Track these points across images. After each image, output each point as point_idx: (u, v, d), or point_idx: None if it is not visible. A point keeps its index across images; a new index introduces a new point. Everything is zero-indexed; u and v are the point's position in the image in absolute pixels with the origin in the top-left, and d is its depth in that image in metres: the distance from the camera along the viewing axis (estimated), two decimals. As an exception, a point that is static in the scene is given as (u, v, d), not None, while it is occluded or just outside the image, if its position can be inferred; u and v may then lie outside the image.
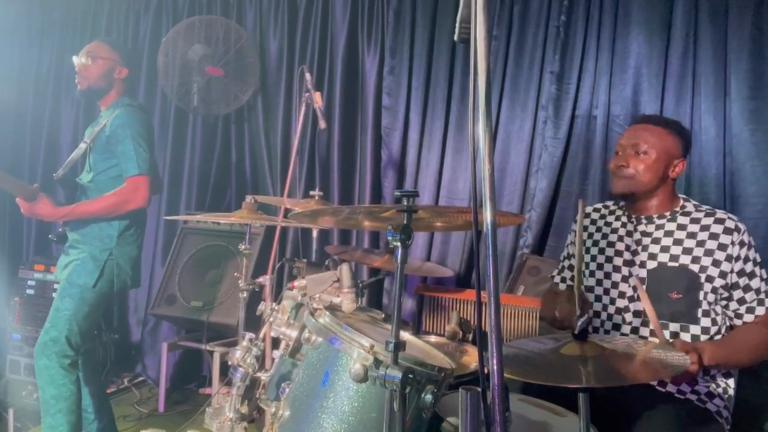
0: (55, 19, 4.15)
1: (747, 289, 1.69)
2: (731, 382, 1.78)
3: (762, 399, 2.32)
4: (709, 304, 1.70)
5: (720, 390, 1.75)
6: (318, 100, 2.79)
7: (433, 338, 2.37)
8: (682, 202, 1.82)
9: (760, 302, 1.69)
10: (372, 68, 3.36)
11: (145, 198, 2.38)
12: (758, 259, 1.71)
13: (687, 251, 1.72)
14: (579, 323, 1.37)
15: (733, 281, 1.68)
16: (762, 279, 1.70)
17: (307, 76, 2.81)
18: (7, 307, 3.32)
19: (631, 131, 1.84)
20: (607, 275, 1.85)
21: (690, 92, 2.64)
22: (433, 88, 3.20)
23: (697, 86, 2.63)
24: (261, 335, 1.66)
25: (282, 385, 1.37)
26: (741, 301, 1.70)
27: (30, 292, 3.29)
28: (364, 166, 3.36)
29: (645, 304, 1.66)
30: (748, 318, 1.70)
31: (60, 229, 2.50)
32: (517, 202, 2.97)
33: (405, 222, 1.18)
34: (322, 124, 2.81)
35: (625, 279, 1.81)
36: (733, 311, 1.72)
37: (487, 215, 0.86)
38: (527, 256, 2.87)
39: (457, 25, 0.97)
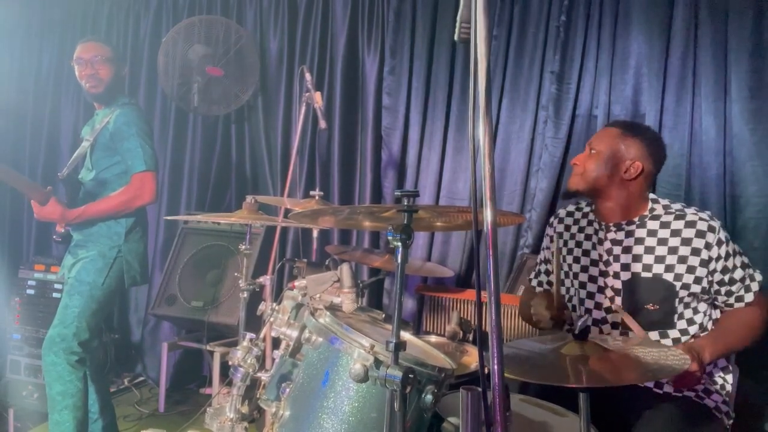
0: (55, 19, 4.14)
1: (732, 282, 1.69)
2: (729, 378, 1.78)
3: (762, 399, 2.32)
4: (686, 306, 1.70)
5: (717, 386, 1.75)
6: (318, 100, 2.80)
7: (433, 338, 2.37)
8: (650, 204, 1.78)
9: (747, 289, 1.70)
10: (372, 68, 3.36)
11: (153, 193, 2.42)
12: (737, 249, 1.70)
13: (659, 260, 1.70)
14: (579, 323, 1.38)
15: (717, 279, 1.68)
16: (743, 266, 1.70)
17: (307, 76, 2.81)
18: (7, 307, 3.31)
19: (595, 134, 1.88)
20: (582, 285, 1.84)
21: (690, 92, 2.64)
22: (433, 88, 3.20)
23: (697, 86, 2.63)
24: (261, 335, 1.67)
25: (282, 385, 1.37)
26: (728, 294, 1.70)
27: (30, 292, 3.29)
28: (364, 166, 3.36)
29: (629, 322, 1.68)
30: (739, 305, 1.71)
31: (63, 230, 2.51)
32: (518, 201, 2.98)
33: (405, 222, 1.18)
34: (322, 124, 2.81)
35: (601, 290, 1.80)
36: (723, 302, 1.72)
37: (487, 215, 0.86)
38: (527, 256, 2.87)
39: (457, 25, 0.97)
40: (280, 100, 3.58)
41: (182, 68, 3.49)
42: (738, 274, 1.69)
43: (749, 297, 1.70)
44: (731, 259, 1.68)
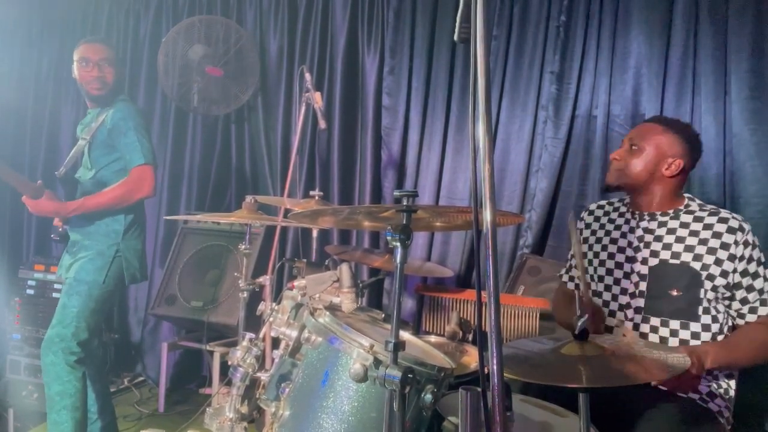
0: (55, 19, 4.14)
1: (750, 289, 1.69)
2: (732, 383, 1.78)
3: (762, 399, 2.32)
4: (709, 301, 1.70)
5: (721, 390, 1.75)
6: (318, 100, 2.80)
7: (433, 338, 2.37)
8: (686, 201, 1.82)
9: (763, 302, 1.69)
10: (372, 68, 3.36)
11: (152, 187, 2.43)
12: (762, 259, 1.70)
13: (689, 249, 1.72)
14: (579, 323, 1.37)
15: (736, 281, 1.68)
16: (765, 279, 1.69)
17: (307, 76, 2.82)
18: (7, 307, 3.31)
19: (634, 128, 1.90)
20: (609, 272, 1.86)
21: (690, 92, 2.64)
22: (433, 88, 3.20)
23: (697, 86, 2.63)
24: (261, 335, 1.66)
25: (282, 385, 1.37)
26: (744, 301, 1.69)
27: (30, 292, 3.29)
28: (364, 166, 3.36)
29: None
30: (751, 318, 1.70)
31: (61, 229, 2.51)
32: (517, 202, 2.97)
33: (404, 222, 1.18)
34: (322, 124, 2.81)
35: (627, 276, 1.82)
36: (736, 311, 1.71)
37: (487, 215, 0.86)
38: (527, 256, 2.87)
39: (457, 24, 0.97)
40: (280, 100, 3.58)
41: (182, 68, 3.49)
42: (759, 283, 1.68)
43: (763, 311, 1.69)
44: (754, 265, 1.68)
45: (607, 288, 1.86)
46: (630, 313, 1.79)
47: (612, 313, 1.83)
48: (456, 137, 3.14)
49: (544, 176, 2.91)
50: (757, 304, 1.69)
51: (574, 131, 2.89)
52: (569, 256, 2.11)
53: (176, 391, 3.49)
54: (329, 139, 3.44)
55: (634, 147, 1.80)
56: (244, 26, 3.66)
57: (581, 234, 2.01)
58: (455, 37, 0.98)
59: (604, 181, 1.90)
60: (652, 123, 1.85)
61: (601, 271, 1.88)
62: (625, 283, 1.82)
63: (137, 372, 3.75)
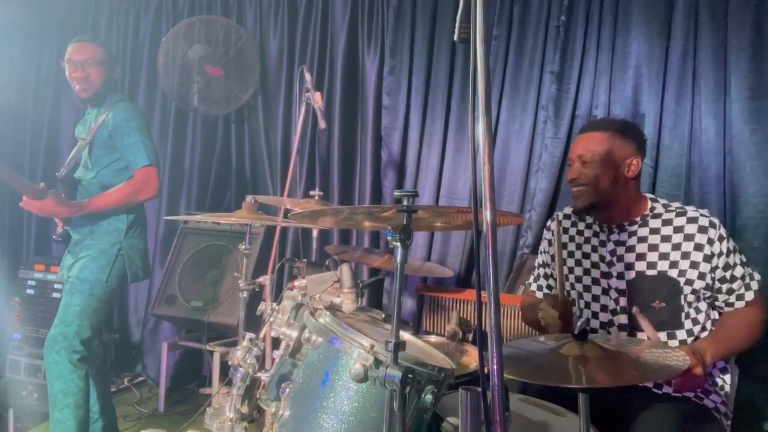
0: (55, 19, 4.14)
1: (733, 279, 1.70)
2: (727, 378, 1.78)
3: (762, 398, 2.32)
4: (690, 305, 1.70)
5: (716, 387, 1.75)
6: (318, 100, 2.80)
7: (433, 338, 2.37)
8: (650, 203, 1.78)
9: (747, 287, 1.71)
10: (372, 68, 3.36)
11: (156, 188, 2.43)
12: (736, 247, 1.71)
13: (664, 257, 1.70)
14: (579, 323, 1.37)
15: (719, 277, 1.68)
16: (743, 264, 1.71)
17: (307, 76, 2.82)
18: (7, 307, 3.31)
19: (575, 142, 1.82)
20: (587, 288, 1.83)
21: (690, 92, 2.64)
22: (433, 88, 3.20)
23: (697, 86, 2.63)
24: (261, 335, 1.67)
25: (282, 385, 1.37)
26: (729, 291, 1.70)
27: (30, 292, 3.29)
28: (364, 166, 3.36)
29: (646, 329, 1.67)
30: (739, 305, 1.71)
31: (61, 230, 2.51)
32: (517, 201, 2.97)
33: (405, 222, 1.18)
34: (322, 124, 2.81)
35: (605, 292, 1.79)
36: (724, 302, 1.72)
37: (487, 215, 0.86)
38: (527, 256, 2.87)
39: (457, 24, 0.97)
40: (280, 100, 3.58)
41: (182, 68, 3.49)
42: (738, 271, 1.69)
43: (750, 295, 1.70)
44: (732, 255, 1.69)
45: (587, 305, 1.83)
46: (614, 330, 1.76)
47: (594, 331, 1.79)
48: (456, 137, 3.14)
49: (544, 176, 2.91)
50: (743, 290, 1.70)
51: (574, 131, 2.88)
52: (536, 265, 2.06)
53: (176, 391, 3.49)
54: (329, 139, 3.44)
55: (588, 162, 1.73)
56: (244, 26, 3.66)
57: (550, 245, 1.96)
58: (455, 37, 0.98)
59: (572, 207, 1.82)
60: (592, 132, 1.77)
61: (579, 287, 1.85)
62: (604, 300, 1.79)
63: (137, 372, 3.75)
